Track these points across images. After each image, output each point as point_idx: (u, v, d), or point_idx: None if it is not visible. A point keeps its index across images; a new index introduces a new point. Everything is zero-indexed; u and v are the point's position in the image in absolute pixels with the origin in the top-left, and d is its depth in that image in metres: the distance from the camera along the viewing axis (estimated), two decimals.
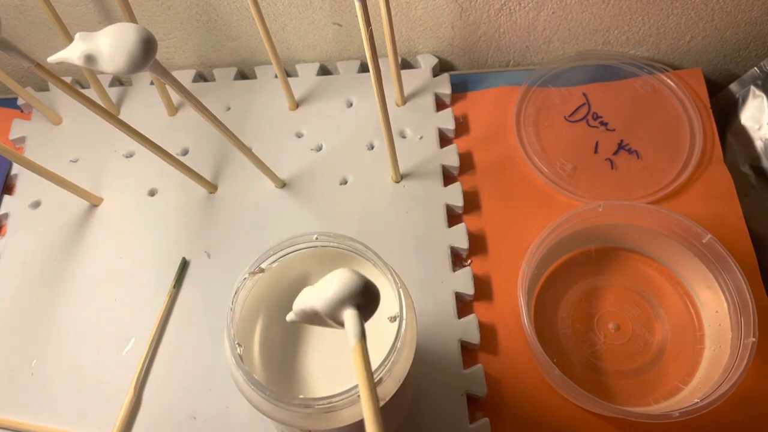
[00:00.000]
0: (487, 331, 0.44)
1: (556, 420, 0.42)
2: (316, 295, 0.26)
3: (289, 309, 0.27)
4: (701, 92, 0.53)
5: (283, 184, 0.50)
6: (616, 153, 0.51)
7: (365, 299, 0.25)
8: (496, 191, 0.50)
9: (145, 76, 0.56)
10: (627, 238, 0.47)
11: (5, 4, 0.52)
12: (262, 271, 0.32)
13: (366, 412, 0.24)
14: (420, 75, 0.55)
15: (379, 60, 0.39)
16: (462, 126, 0.53)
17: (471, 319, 0.44)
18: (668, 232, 0.45)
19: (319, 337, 0.33)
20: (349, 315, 0.25)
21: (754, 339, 0.39)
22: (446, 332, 0.43)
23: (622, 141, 0.51)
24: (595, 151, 0.51)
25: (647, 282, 0.46)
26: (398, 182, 0.49)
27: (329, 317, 0.26)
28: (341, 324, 0.26)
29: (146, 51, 0.32)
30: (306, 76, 0.56)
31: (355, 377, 0.24)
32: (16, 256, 0.48)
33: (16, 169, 0.52)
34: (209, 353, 0.44)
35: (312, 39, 0.55)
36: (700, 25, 0.53)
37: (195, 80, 0.57)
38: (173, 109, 0.54)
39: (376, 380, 0.28)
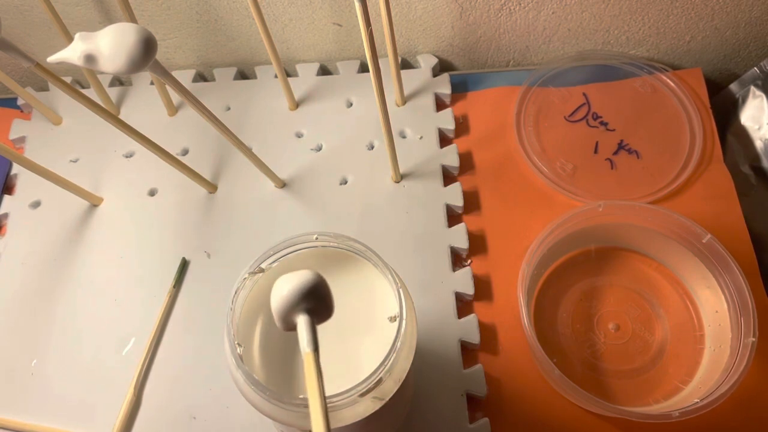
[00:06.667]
0: (487, 331, 0.44)
1: (556, 420, 0.42)
2: (271, 303, 0.24)
3: None
4: (701, 92, 0.53)
5: (283, 184, 0.50)
6: (616, 153, 0.51)
7: (315, 302, 0.24)
8: (496, 191, 0.50)
9: (145, 76, 0.56)
10: (627, 238, 0.47)
11: (5, 4, 0.52)
12: (262, 271, 0.32)
13: (315, 428, 0.22)
14: (420, 75, 0.55)
15: (379, 60, 0.39)
16: (462, 126, 0.53)
17: (471, 319, 0.44)
18: (668, 232, 0.45)
19: (318, 337, 0.33)
20: (301, 322, 0.24)
21: (754, 339, 0.39)
22: (446, 332, 0.43)
23: (622, 141, 0.51)
24: (595, 151, 0.51)
25: (647, 282, 0.46)
26: (398, 182, 0.49)
27: (283, 326, 0.25)
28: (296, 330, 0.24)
29: (146, 51, 0.32)
30: (306, 76, 0.56)
31: (306, 388, 0.23)
32: (16, 256, 0.48)
33: (16, 169, 0.52)
34: (209, 353, 0.44)
35: (312, 39, 0.55)
36: (700, 25, 0.53)
37: (195, 80, 0.57)
38: (173, 109, 0.54)
39: (376, 380, 0.28)
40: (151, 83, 0.56)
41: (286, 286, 0.24)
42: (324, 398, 0.23)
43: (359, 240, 0.32)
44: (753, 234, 0.47)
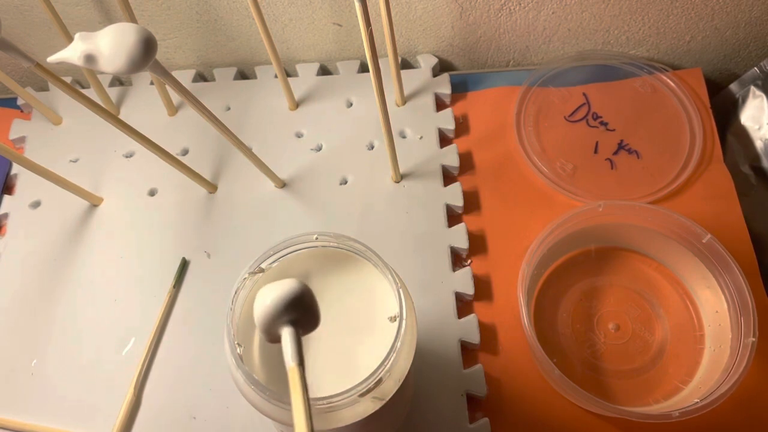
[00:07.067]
0: (487, 331, 0.44)
1: (556, 420, 0.42)
2: (254, 315, 0.24)
3: None
4: (701, 92, 0.53)
5: (283, 184, 0.50)
6: (616, 153, 0.51)
7: (300, 313, 0.23)
8: (496, 191, 0.50)
9: (145, 76, 0.56)
10: (627, 238, 0.47)
11: (5, 4, 0.52)
12: (262, 271, 0.32)
13: None
14: (420, 75, 0.55)
15: (379, 60, 0.39)
16: (462, 126, 0.53)
17: (471, 319, 0.44)
18: (668, 232, 0.45)
19: (318, 337, 0.33)
20: (285, 334, 0.23)
21: (754, 339, 0.39)
22: (446, 332, 0.43)
23: (622, 141, 0.51)
24: (595, 151, 0.51)
25: (647, 282, 0.46)
26: (398, 182, 0.49)
27: (267, 338, 0.24)
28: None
29: (146, 51, 0.32)
30: (306, 76, 0.56)
31: (291, 402, 0.23)
32: (16, 256, 0.48)
33: (16, 169, 0.52)
34: (209, 353, 0.44)
35: (312, 39, 0.55)
36: (700, 25, 0.53)
37: (195, 80, 0.57)
38: (173, 109, 0.54)
39: (376, 380, 0.28)
40: (151, 83, 0.56)
41: (269, 297, 0.23)
42: (309, 415, 0.22)
43: (359, 240, 0.32)
44: (753, 234, 0.47)
